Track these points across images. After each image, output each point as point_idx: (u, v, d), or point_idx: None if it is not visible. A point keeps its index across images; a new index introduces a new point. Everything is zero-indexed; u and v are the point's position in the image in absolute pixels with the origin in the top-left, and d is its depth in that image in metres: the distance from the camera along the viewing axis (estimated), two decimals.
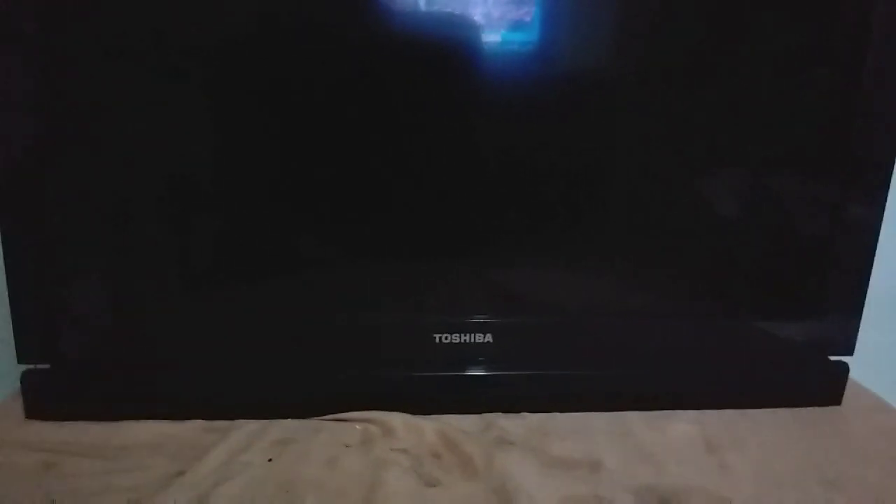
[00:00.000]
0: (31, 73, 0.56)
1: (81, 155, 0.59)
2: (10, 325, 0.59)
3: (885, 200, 0.64)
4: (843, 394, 0.70)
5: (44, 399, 0.62)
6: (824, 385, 0.70)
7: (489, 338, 0.65)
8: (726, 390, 0.69)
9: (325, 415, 0.63)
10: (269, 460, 0.56)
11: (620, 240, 0.67)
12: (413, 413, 0.63)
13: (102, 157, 0.59)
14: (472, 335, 0.65)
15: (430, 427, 0.61)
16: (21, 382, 0.61)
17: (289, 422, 0.62)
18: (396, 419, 0.61)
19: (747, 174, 0.66)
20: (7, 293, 0.58)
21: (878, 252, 0.66)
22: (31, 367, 0.61)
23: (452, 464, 0.57)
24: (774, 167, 0.66)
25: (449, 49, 0.58)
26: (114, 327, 0.63)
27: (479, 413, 0.65)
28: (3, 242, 0.57)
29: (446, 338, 0.65)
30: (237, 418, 0.62)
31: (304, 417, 0.63)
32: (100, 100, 0.58)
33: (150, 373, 0.63)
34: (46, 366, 0.61)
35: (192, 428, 0.61)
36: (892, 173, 0.64)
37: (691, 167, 0.65)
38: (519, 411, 0.66)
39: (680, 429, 0.64)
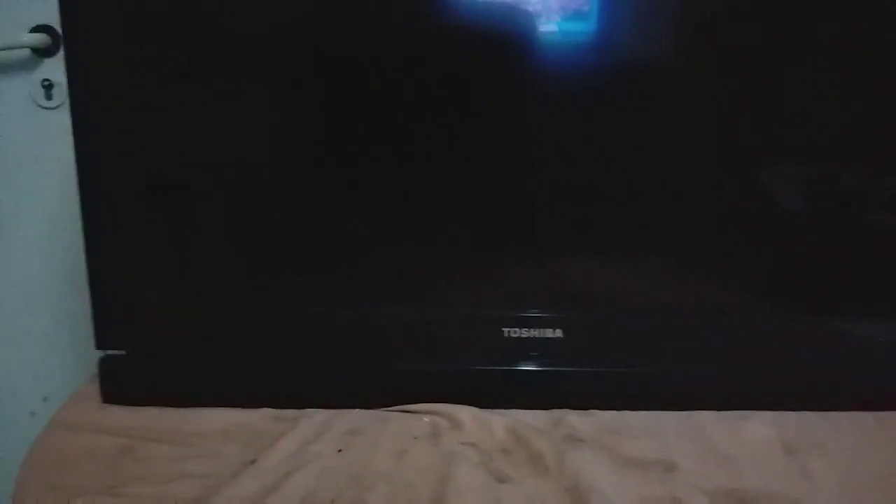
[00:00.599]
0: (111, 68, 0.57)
1: (155, 148, 0.60)
2: (91, 313, 0.60)
3: None
4: None
5: (120, 384, 0.63)
6: None
7: (559, 333, 0.64)
8: (805, 391, 0.66)
9: (393, 406, 0.62)
10: (339, 451, 0.56)
11: (694, 235, 0.65)
12: (481, 407, 0.62)
13: (173, 151, 0.61)
14: (542, 330, 0.64)
15: (498, 422, 0.60)
16: (99, 368, 0.62)
17: (356, 412, 0.62)
18: (464, 413, 0.61)
19: (825, 168, 0.64)
20: (88, 281, 0.60)
21: None
22: (109, 353, 0.62)
23: (522, 460, 0.56)
24: (855, 160, 0.63)
25: (507, 39, 0.58)
26: (187, 316, 0.64)
27: (548, 409, 0.64)
28: (84, 231, 0.58)
29: (515, 332, 0.64)
30: (305, 407, 0.62)
31: (372, 408, 0.63)
32: (169, 96, 0.59)
33: (221, 361, 0.64)
34: (123, 352, 0.62)
35: (261, 416, 0.62)
36: None
37: (763, 159, 0.63)
38: (588, 409, 0.64)
39: (756, 430, 0.62)
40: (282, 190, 0.63)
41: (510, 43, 0.58)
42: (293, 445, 0.57)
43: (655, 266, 0.66)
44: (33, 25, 0.79)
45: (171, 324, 0.64)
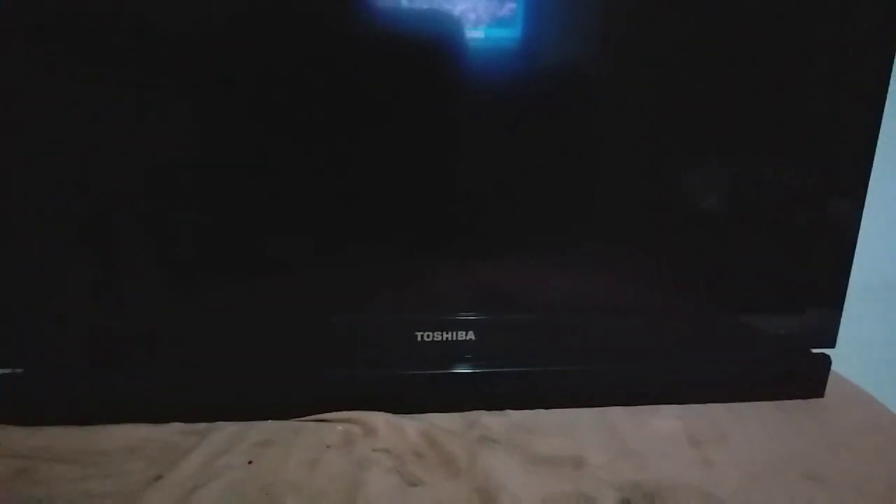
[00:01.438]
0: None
1: (56, 148, 0.57)
2: None
3: (865, 193, 0.64)
4: (825, 386, 0.70)
5: (16, 403, 0.60)
6: (807, 377, 0.70)
7: (471, 335, 0.64)
8: (710, 384, 0.69)
9: (305, 416, 0.62)
10: (250, 462, 0.55)
11: (603, 235, 0.66)
12: (395, 413, 0.62)
13: (79, 151, 0.58)
14: (455, 333, 0.64)
15: (412, 426, 0.60)
16: None
17: (269, 423, 0.61)
18: (378, 419, 0.61)
19: (730, 168, 0.66)
20: None
21: (858, 245, 0.66)
22: (3, 371, 0.59)
23: (435, 463, 0.56)
24: (757, 162, 0.66)
25: (433, 45, 0.58)
26: (89, 328, 0.61)
27: (463, 412, 0.64)
28: None
29: (428, 336, 0.64)
30: (217, 420, 0.61)
31: (284, 418, 0.62)
32: (74, 93, 0.56)
33: (127, 374, 0.62)
34: (18, 369, 0.59)
35: (170, 431, 0.60)
36: (871, 166, 0.64)
37: (675, 161, 0.65)
38: (503, 409, 0.65)
39: (664, 424, 0.64)
40: (194, 195, 0.61)
41: (436, 49, 0.58)
42: (202, 459, 0.55)
43: (564, 267, 0.67)
44: None
45: (68, 336, 0.61)
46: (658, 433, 0.63)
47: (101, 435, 0.59)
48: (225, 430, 0.60)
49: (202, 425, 0.61)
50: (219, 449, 0.57)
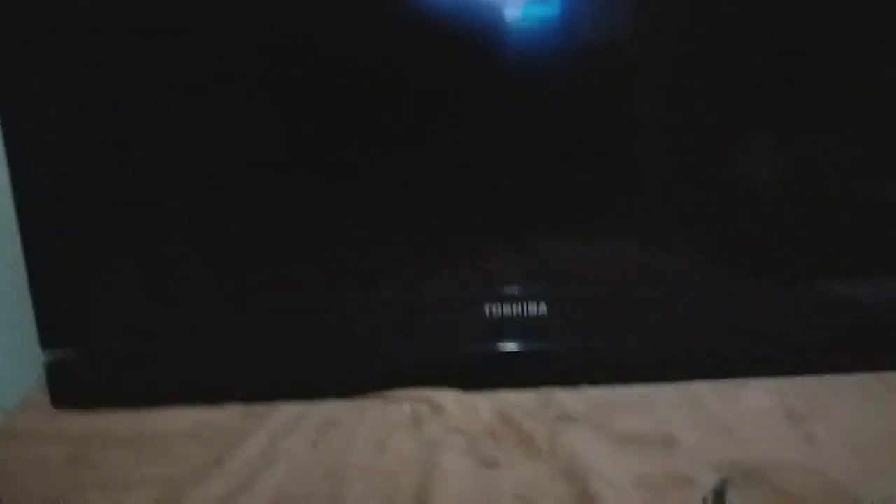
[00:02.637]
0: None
1: (101, 136, 0.56)
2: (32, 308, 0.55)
3: None
4: None
5: (71, 387, 0.58)
6: None
7: (543, 308, 0.60)
8: (803, 356, 0.63)
9: (370, 394, 0.58)
10: (314, 445, 0.52)
11: (672, 204, 0.62)
12: (465, 390, 0.58)
13: (123, 141, 0.56)
14: (525, 305, 0.60)
15: (484, 404, 0.56)
16: (46, 370, 0.57)
17: (332, 403, 0.58)
18: (447, 397, 0.57)
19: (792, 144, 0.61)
20: (27, 272, 0.54)
21: None
22: (57, 352, 0.57)
23: (512, 443, 0.52)
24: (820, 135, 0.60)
25: (473, 24, 0.55)
26: (142, 307, 0.59)
27: (535, 389, 0.60)
28: (19, 218, 0.53)
29: (497, 309, 0.59)
30: (277, 401, 0.58)
31: (347, 398, 0.58)
32: (114, 89, 0.55)
33: (183, 355, 0.59)
34: (71, 351, 0.57)
35: (228, 414, 0.57)
36: None
37: (728, 135, 0.60)
38: (578, 385, 0.60)
39: (756, 398, 0.59)
40: (241, 181, 0.59)
41: (477, 28, 0.55)
42: (263, 442, 0.52)
43: (638, 240, 0.62)
44: None
45: (124, 316, 0.58)
46: (751, 408, 0.58)
47: (156, 419, 0.56)
48: (286, 412, 0.57)
49: (262, 407, 0.57)
50: (280, 431, 0.54)
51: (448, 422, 0.55)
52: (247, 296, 0.60)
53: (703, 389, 0.60)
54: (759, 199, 0.62)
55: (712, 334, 0.62)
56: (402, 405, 0.57)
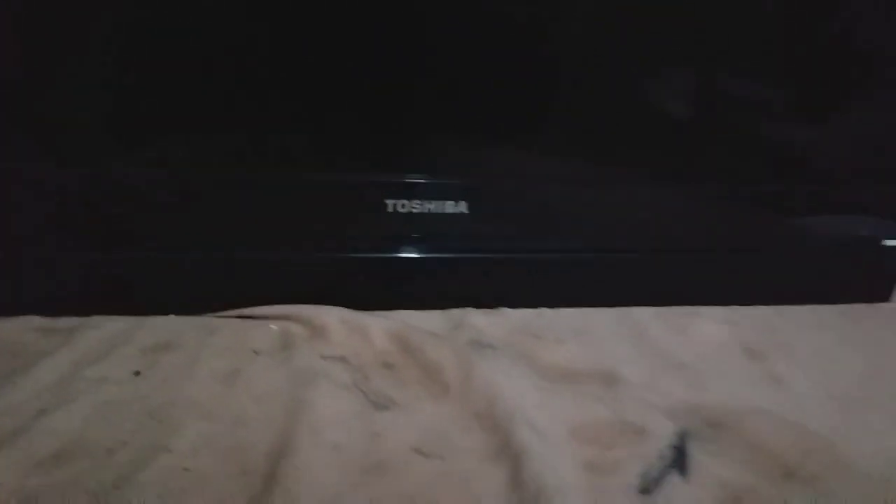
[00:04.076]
0: None
1: None
2: None
3: None
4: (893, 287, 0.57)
5: None
6: (877, 276, 0.57)
7: (462, 207, 0.47)
8: (756, 282, 0.55)
9: (224, 310, 0.45)
10: (137, 374, 0.37)
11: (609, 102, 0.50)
12: (355, 308, 0.45)
13: None
14: (440, 203, 0.47)
15: (378, 326, 0.44)
16: None
17: (169, 319, 0.45)
18: (330, 315, 0.45)
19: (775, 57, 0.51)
20: None
21: None
22: None
23: (412, 377, 0.40)
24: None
25: None
26: None
27: (444, 309, 0.49)
28: None
29: (403, 205, 0.46)
30: (92, 314, 0.44)
31: (192, 314, 0.44)
32: None
33: None
34: None
35: (23, 327, 0.43)
36: None
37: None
38: (496, 307, 0.48)
39: (708, 330, 0.50)
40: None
41: None
42: (62, 368, 0.37)
43: (582, 135, 0.50)
44: None
45: None
46: (703, 341, 0.49)
47: None
48: (102, 329, 0.44)
49: (69, 320, 0.43)
50: (90, 354, 0.40)
51: (329, 348, 0.42)
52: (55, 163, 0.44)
53: (645, 316, 0.52)
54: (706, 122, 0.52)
55: (659, 249, 0.53)
56: (269, 324, 0.43)
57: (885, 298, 0.57)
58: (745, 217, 0.55)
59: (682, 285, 0.54)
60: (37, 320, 0.43)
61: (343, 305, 0.46)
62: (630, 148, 0.51)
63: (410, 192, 0.47)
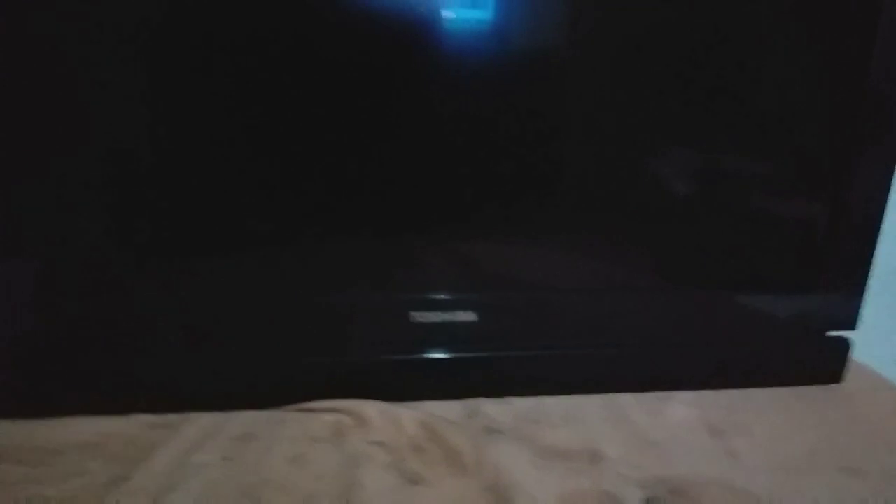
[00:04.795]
0: None
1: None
2: None
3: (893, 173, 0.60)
4: (843, 372, 0.66)
5: None
6: (824, 363, 0.66)
7: (472, 316, 0.58)
8: (722, 370, 0.64)
9: (288, 405, 0.55)
10: (227, 460, 0.49)
11: (602, 215, 0.61)
12: (388, 401, 0.56)
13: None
14: (453, 313, 0.58)
15: (408, 416, 0.54)
16: None
17: (248, 414, 0.55)
18: (370, 408, 0.55)
19: (739, 150, 0.62)
20: None
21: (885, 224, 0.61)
22: None
23: (437, 458, 0.50)
24: (769, 144, 0.61)
25: (409, 25, 0.54)
26: (37, 306, 0.54)
27: (461, 399, 0.59)
28: None
29: (424, 316, 0.58)
30: (188, 411, 0.55)
31: (264, 408, 0.55)
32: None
33: (85, 360, 0.54)
34: None
35: (135, 424, 0.53)
36: None
37: (656, 143, 0.60)
38: (504, 396, 0.59)
39: (679, 412, 0.59)
40: (162, 165, 0.54)
41: (413, 29, 0.54)
42: (172, 457, 0.49)
43: (566, 247, 0.62)
44: None
45: (15, 318, 0.53)
46: (674, 422, 0.58)
47: (52, 430, 0.52)
48: (197, 423, 0.53)
49: (171, 417, 0.54)
50: (191, 444, 0.50)
51: (371, 435, 0.52)
52: (156, 295, 0.56)
53: (628, 401, 0.60)
54: (682, 213, 0.62)
55: (639, 345, 0.63)
56: (323, 416, 0.54)
57: (837, 380, 0.66)
58: (714, 315, 0.64)
59: (659, 373, 0.63)
60: (145, 418, 0.53)
61: (378, 399, 0.56)
62: (622, 261, 0.62)
63: (429, 306, 0.58)
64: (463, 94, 0.55)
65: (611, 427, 0.56)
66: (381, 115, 0.55)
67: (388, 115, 0.55)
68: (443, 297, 0.59)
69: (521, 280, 0.61)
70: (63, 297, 0.54)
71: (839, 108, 0.59)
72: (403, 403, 0.56)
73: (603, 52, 0.57)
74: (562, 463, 0.51)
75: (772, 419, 0.59)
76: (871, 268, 0.63)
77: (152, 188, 0.54)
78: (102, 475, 0.47)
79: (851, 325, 0.65)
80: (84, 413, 0.53)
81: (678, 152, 0.61)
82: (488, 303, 0.59)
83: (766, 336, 0.65)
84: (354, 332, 0.58)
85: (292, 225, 0.57)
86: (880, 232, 0.62)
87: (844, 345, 0.65)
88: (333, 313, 0.57)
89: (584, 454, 0.52)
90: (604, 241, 0.62)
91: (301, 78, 0.53)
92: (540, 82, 0.57)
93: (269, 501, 0.44)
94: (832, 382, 0.66)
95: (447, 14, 0.53)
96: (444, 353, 0.59)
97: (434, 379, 0.59)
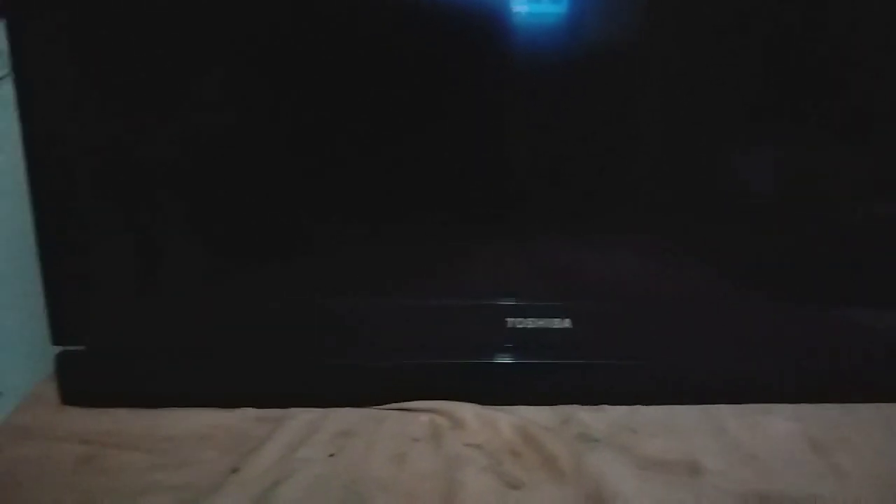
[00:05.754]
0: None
1: (111, 131, 0.54)
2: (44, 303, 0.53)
3: None
4: None
5: (82, 383, 0.56)
6: None
7: (567, 323, 0.58)
8: (823, 383, 0.62)
9: (386, 404, 0.57)
10: (331, 455, 0.50)
11: (704, 224, 0.61)
12: (483, 404, 0.57)
13: (131, 135, 0.55)
14: (549, 320, 0.58)
15: (505, 420, 0.55)
16: (56, 365, 0.55)
17: (347, 411, 0.56)
18: (466, 410, 0.55)
19: (838, 154, 0.60)
20: (40, 266, 0.53)
21: None
22: (67, 348, 0.55)
23: (535, 463, 0.51)
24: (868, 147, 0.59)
25: (480, 23, 0.54)
26: (155, 305, 0.57)
27: (553, 405, 0.59)
28: (35, 215, 0.52)
29: (520, 322, 0.58)
30: (290, 407, 0.56)
31: (363, 406, 0.57)
32: (128, 77, 0.53)
33: (195, 355, 0.57)
34: (82, 347, 0.55)
35: (242, 417, 0.56)
36: None
37: (734, 145, 0.59)
38: (597, 403, 0.59)
39: (779, 426, 0.58)
40: (254, 178, 0.57)
41: (483, 27, 0.54)
42: (279, 450, 0.51)
43: (664, 257, 0.61)
44: None
45: (136, 315, 0.57)
46: (774, 436, 0.56)
47: (168, 419, 0.55)
48: (300, 419, 0.55)
49: (275, 411, 0.56)
50: (296, 439, 0.52)
51: (467, 437, 0.53)
52: (263, 298, 0.58)
53: (725, 413, 0.59)
54: (786, 223, 0.61)
55: (739, 355, 0.61)
56: (420, 417, 0.55)
57: None
58: (817, 327, 0.63)
59: (758, 385, 0.61)
60: (252, 411, 0.56)
61: (474, 402, 0.56)
62: (723, 273, 0.61)
63: (525, 312, 0.59)
64: (545, 98, 0.56)
65: (709, 438, 0.55)
66: (462, 116, 0.56)
67: (468, 116, 0.56)
68: (538, 304, 0.59)
69: (618, 289, 0.61)
70: (177, 301, 0.57)
71: None
72: (496, 407, 0.57)
73: (678, 47, 0.56)
74: (661, 474, 0.50)
75: (876, 435, 0.57)
76: None
77: (254, 203, 0.57)
78: (215, 466, 0.49)
79: None
80: (197, 405, 0.56)
81: (777, 159, 0.60)
82: (581, 312, 0.59)
83: (870, 349, 0.63)
84: (455, 335, 0.59)
85: (398, 230, 0.58)
86: None
87: None
88: (433, 317, 0.58)
89: (684, 466, 0.51)
90: (703, 252, 0.61)
91: (377, 82, 0.54)
92: (626, 83, 0.57)
93: (371, 498, 0.46)
94: None
95: (520, 8, 0.53)
96: (539, 358, 0.59)
97: (527, 384, 0.60)
